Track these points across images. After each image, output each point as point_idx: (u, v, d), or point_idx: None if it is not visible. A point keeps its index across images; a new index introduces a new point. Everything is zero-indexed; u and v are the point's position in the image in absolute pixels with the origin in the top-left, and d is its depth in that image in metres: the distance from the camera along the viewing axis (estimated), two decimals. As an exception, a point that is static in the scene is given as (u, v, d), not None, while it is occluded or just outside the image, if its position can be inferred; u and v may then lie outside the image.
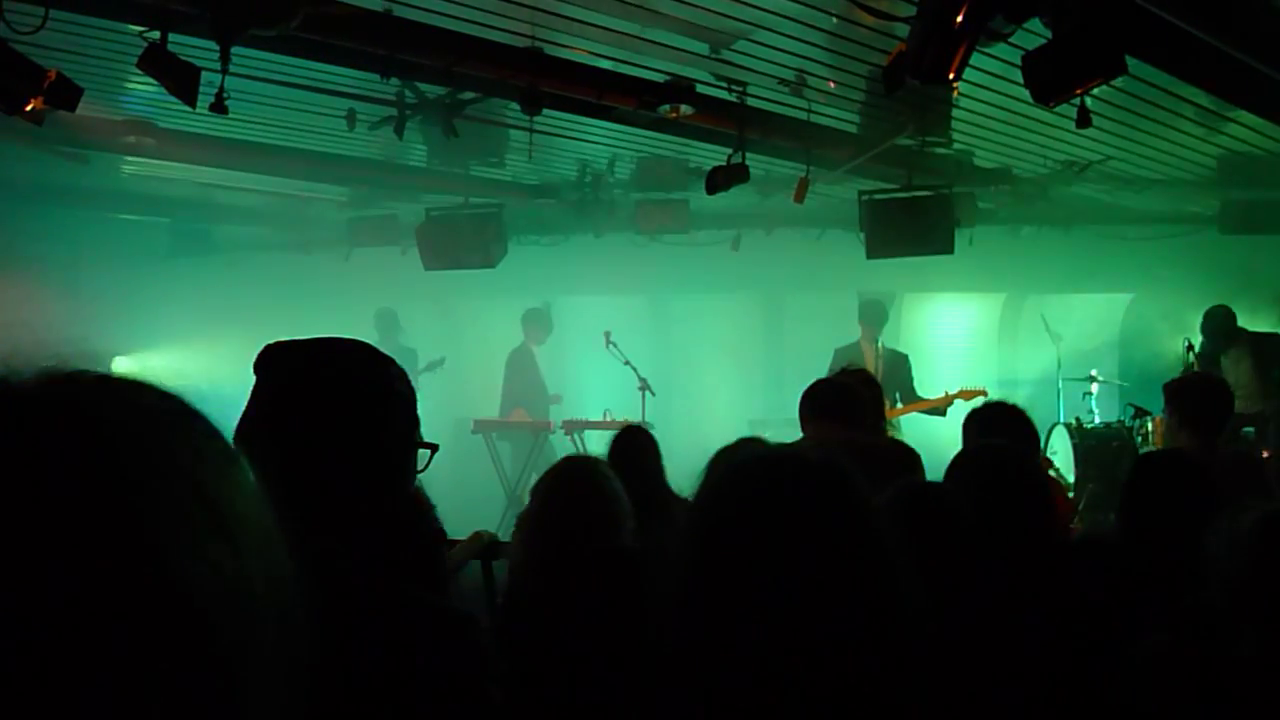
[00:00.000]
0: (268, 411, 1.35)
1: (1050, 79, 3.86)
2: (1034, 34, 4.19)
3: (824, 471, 1.24)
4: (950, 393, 7.64)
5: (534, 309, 9.25)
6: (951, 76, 3.65)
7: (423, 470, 1.44)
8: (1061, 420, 7.84)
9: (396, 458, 1.41)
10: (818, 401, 3.62)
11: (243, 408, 1.34)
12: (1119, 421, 7.84)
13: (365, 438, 1.36)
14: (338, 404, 1.35)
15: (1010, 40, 4.30)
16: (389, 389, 1.41)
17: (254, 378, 1.36)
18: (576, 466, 2.94)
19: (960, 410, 7.54)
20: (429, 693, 1.24)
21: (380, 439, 1.38)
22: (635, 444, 3.77)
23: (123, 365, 3.96)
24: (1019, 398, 7.57)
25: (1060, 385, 8.53)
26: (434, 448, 1.46)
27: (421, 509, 2.20)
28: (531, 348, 9.13)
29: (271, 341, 1.42)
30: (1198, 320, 7.58)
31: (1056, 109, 4.39)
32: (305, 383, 1.37)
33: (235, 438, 1.32)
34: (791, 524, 1.18)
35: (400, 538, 1.44)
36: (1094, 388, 8.35)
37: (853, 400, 3.64)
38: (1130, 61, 4.12)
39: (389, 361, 1.44)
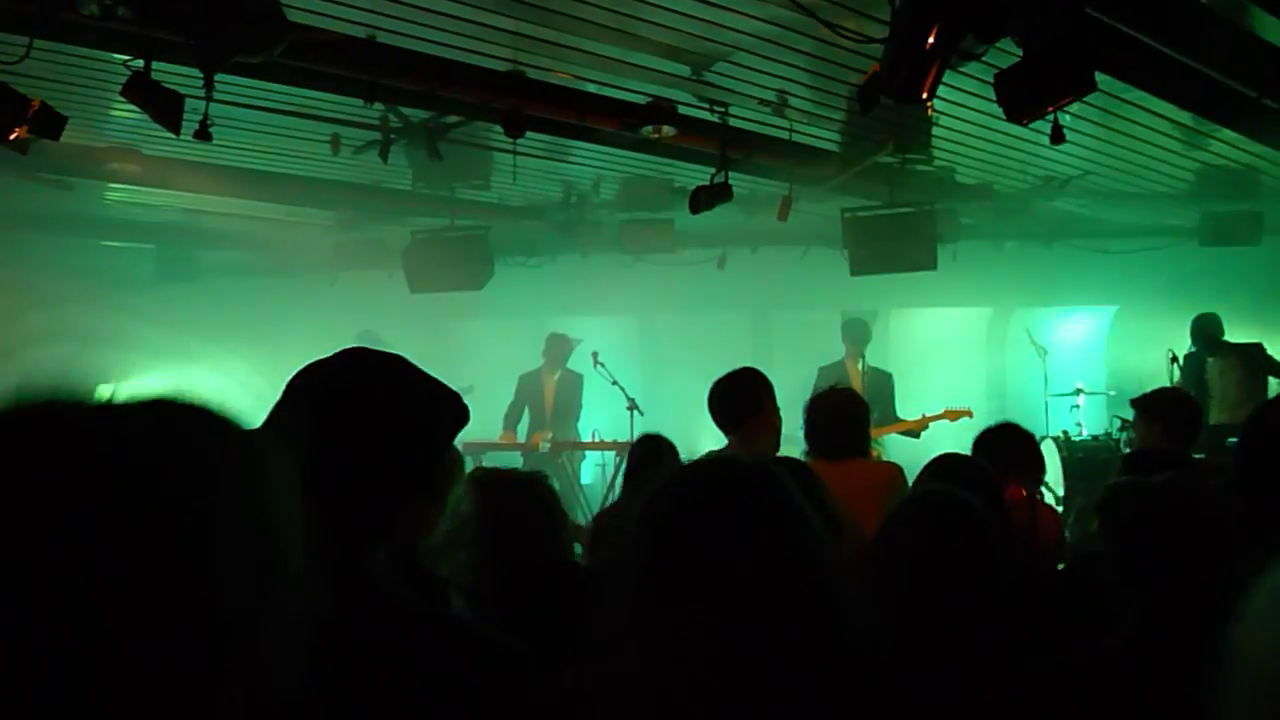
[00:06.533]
0: (302, 421, 1.30)
1: (1022, 97, 3.90)
2: (1007, 53, 4.25)
3: (752, 473, 1.29)
4: (928, 415, 7.58)
5: (556, 334, 8.86)
6: (925, 96, 3.69)
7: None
8: (1049, 434, 7.86)
9: (426, 478, 1.37)
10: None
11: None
12: (1106, 434, 7.88)
13: (398, 455, 1.32)
14: (374, 419, 1.32)
15: (984, 59, 4.36)
16: (424, 407, 1.37)
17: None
18: (494, 482, 2.55)
19: (937, 431, 7.56)
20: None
21: (411, 455, 1.34)
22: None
23: (108, 392, 3.92)
24: (1006, 411, 7.64)
25: (1047, 398, 8.57)
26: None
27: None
28: (545, 373, 8.77)
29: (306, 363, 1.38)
30: (1181, 331, 7.63)
31: (1033, 125, 4.45)
32: (342, 397, 1.33)
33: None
34: (720, 524, 1.23)
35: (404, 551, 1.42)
36: (1080, 400, 8.39)
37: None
38: (1105, 77, 4.19)
39: (433, 383, 1.40)
